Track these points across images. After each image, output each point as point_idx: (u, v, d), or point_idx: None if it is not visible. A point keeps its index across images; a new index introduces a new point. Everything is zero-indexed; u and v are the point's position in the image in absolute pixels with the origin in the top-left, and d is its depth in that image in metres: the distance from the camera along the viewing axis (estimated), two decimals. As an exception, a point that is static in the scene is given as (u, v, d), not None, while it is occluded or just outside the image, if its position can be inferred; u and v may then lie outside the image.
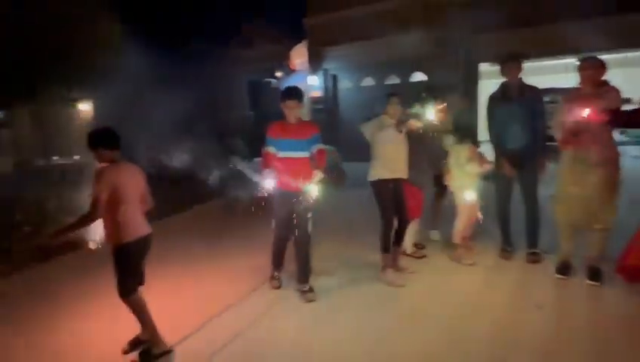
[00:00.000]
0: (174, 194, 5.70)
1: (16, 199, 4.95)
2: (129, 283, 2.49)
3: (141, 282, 2.60)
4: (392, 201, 3.37)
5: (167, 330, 2.62)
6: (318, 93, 10.60)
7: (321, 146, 3.23)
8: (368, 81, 10.37)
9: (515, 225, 3.78)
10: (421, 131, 3.43)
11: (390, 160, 3.35)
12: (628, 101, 8.91)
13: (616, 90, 3.00)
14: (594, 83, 3.03)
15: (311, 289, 3.23)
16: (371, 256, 3.75)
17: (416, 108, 3.48)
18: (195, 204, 6.30)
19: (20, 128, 11.23)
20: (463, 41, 8.82)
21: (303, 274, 3.27)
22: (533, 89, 3.59)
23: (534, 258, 3.62)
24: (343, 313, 3.02)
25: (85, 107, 11.64)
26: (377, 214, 3.46)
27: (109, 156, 2.51)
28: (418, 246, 3.99)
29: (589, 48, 8.30)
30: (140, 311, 2.50)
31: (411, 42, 9.03)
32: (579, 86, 3.14)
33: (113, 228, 2.47)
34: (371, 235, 3.74)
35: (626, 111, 2.95)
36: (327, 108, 10.56)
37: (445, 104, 3.69)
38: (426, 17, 8.72)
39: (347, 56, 10.14)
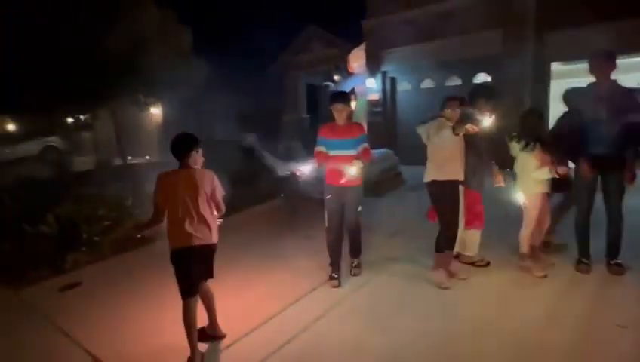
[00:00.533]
0: (239, 193, 5.98)
1: (97, 195, 5.43)
2: (180, 287, 2.56)
3: (190, 293, 2.55)
4: (447, 203, 3.35)
5: (225, 329, 2.76)
6: (376, 96, 10.50)
7: (366, 145, 3.48)
8: (428, 83, 10.08)
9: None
10: (481, 134, 3.30)
11: (445, 162, 3.32)
12: None
13: None
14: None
15: (359, 265, 3.72)
16: (426, 260, 3.70)
17: (473, 111, 3.35)
18: (258, 203, 6.52)
19: (100, 131, 12.35)
20: (532, 40, 8.30)
21: (354, 251, 3.72)
22: (625, 89, 3.30)
23: (618, 269, 3.34)
24: (401, 316, 2.98)
25: (156, 111, 12.53)
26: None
27: (195, 158, 2.60)
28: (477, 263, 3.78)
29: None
30: (185, 318, 2.51)
31: (476, 42, 8.71)
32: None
33: (167, 232, 2.57)
34: (428, 238, 3.65)
35: None
36: (385, 111, 10.43)
37: (495, 107, 3.48)
38: (491, 15, 8.31)
39: (406, 58, 9.96)
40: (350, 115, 3.61)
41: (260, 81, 13.66)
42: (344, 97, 3.52)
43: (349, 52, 11.45)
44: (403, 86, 10.49)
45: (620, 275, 3.31)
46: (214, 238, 2.63)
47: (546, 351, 2.48)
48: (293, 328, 2.88)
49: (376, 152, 7.80)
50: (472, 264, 3.72)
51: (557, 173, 3.26)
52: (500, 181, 3.68)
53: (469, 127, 3.07)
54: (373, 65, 10.43)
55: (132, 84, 7.99)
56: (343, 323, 2.94)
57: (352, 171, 3.31)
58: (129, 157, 9.93)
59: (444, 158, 3.32)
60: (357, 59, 11.03)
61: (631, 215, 3.41)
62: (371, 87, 10.43)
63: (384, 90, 10.42)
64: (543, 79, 8.48)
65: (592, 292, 3.14)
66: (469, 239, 3.71)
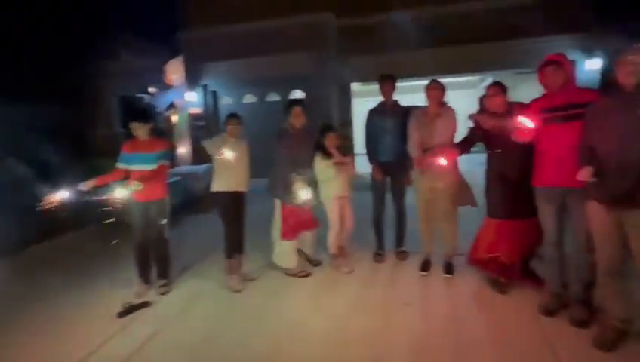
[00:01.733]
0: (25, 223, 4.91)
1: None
2: None
3: None
4: (230, 212, 3.68)
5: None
6: (198, 110, 10.20)
7: (164, 162, 3.60)
8: (250, 98, 10.38)
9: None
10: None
11: (229, 174, 3.65)
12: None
13: (452, 110, 3.54)
14: (438, 103, 3.52)
15: (166, 284, 3.72)
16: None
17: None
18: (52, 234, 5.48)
19: None
20: (336, 62, 9.46)
21: (161, 270, 3.75)
22: (404, 107, 3.93)
23: (403, 255, 4.06)
24: (202, 316, 3.06)
25: None
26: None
27: None
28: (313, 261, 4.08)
29: (434, 73, 9.77)
30: None
31: (291, 61, 9.38)
32: (426, 105, 3.61)
33: None
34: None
35: (460, 143, 3.38)
36: (208, 125, 10.23)
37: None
38: (303, 38, 9.13)
39: (227, 73, 10.00)
40: (152, 130, 3.64)
41: (59, 92, 11.56)
42: (143, 115, 3.72)
43: (165, 63, 10.82)
44: (225, 100, 10.50)
45: (404, 260, 4.03)
46: None
47: (350, 335, 2.80)
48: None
49: (200, 168, 7.58)
50: (293, 276, 3.88)
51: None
52: (306, 191, 3.95)
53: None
54: (192, 78, 10.12)
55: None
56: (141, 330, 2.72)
57: (121, 193, 3.40)
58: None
59: (228, 171, 3.61)
60: (175, 71, 10.52)
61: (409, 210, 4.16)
62: (192, 100, 10.09)
63: (206, 104, 10.22)
64: (346, 97, 9.75)
65: (386, 278, 3.71)
66: (284, 251, 3.90)
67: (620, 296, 2.46)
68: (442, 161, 3.24)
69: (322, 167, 3.70)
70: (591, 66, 8.23)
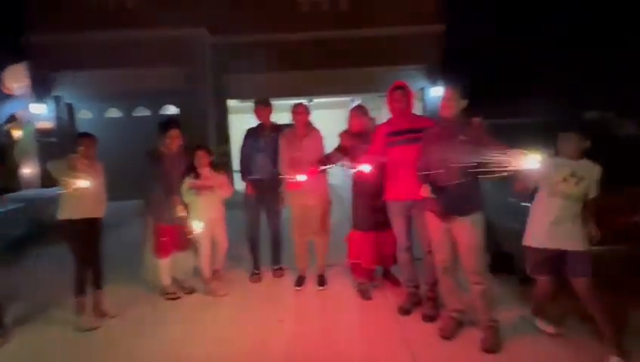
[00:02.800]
0: None
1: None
2: None
3: None
4: (83, 242, 3.29)
5: None
6: (48, 124, 8.86)
7: None
8: (114, 113, 9.45)
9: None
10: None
11: (77, 199, 3.23)
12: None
13: (317, 131, 3.78)
14: (304, 125, 3.72)
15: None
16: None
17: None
18: None
19: None
20: (211, 79, 9.28)
21: None
22: (279, 128, 4.01)
23: (280, 272, 4.12)
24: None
25: None
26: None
27: None
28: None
29: (308, 93, 10.37)
30: None
31: (162, 75, 8.86)
32: (292, 126, 3.79)
33: None
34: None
35: (323, 160, 3.56)
36: (62, 142, 8.95)
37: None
38: (176, 53, 8.72)
39: (86, 84, 8.95)
40: None
41: None
42: None
43: (3, 70, 9.19)
44: (83, 114, 9.37)
45: (281, 277, 4.10)
46: None
47: (228, 358, 2.74)
48: None
49: (50, 191, 6.55)
50: (164, 296, 3.69)
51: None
52: (181, 211, 3.81)
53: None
54: (41, 88, 8.79)
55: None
56: None
57: None
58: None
59: (77, 196, 3.20)
60: (16, 80, 9.01)
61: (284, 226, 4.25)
62: (39, 112, 8.75)
63: (59, 118, 8.96)
64: (223, 114, 9.61)
65: (262, 297, 3.72)
66: (156, 267, 3.68)
67: (454, 292, 2.91)
68: (301, 178, 3.43)
69: (184, 188, 3.58)
70: (435, 93, 9.63)
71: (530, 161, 2.30)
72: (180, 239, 3.66)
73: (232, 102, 10.02)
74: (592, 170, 2.56)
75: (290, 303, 3.58)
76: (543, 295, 2.83)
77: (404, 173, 3.01)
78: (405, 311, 3.23)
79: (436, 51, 9.85)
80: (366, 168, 3.13)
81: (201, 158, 3.64)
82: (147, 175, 3.62)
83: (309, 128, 3.76)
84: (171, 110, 9.37)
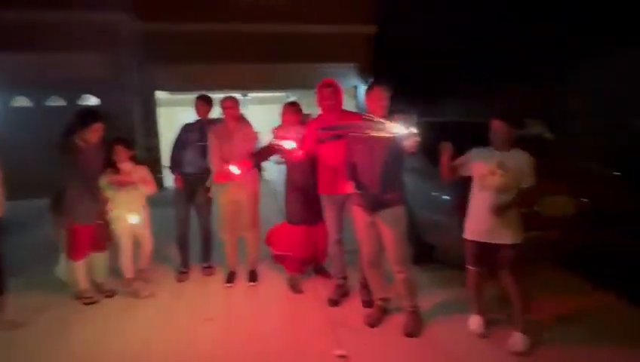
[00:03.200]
0: None
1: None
2: None
3: None
4: None
5: None
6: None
7: None
8: (23, 101, 8.50)
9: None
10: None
11: None
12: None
13: (249, 125, 3.73)
14: (234, 118, 3.65)
15: None
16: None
17: None
18: None
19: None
20: (136, 68, 8.72)
21: None
22: (213, 122, 3.87)
23: (209, 271, 4.00)
24: None
25: None
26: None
27: None
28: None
29: (242, 87, 10.19)
30: None
31: (80, 62, 8.12)
32: (223, 120, 3.70)
33: None
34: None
35: (256, 154, 3.59)
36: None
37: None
38: (97, 39, 8.04)
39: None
40: None
41: None
42: None
43: None
44: (-15, 102, 8.32)
45: (210, 276, 3.97)
46: None
47: (152, 359, 2.62)
48: None
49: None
50: (80, 299, 3.41)
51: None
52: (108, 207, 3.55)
53: None
54: None
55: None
56: None
57: None
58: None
59: None
60: None
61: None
62: None
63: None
64: (150, 106, 9.08)
65: (190, 296, 3.60)
66: (72, 270, 3.42)
67: (379, 282, 3.05)
68: (235, 171, 3.38)
69: (103, 184, 3.37)
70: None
71: (398, 128, 2.46)
72: (96, 239, 3.42)
73: (161, 95, 9.53)
74: (521, 160, 2.57)
75: (220, 301, 3.50)
76: (477, 286, 2.84)
77: (336, 167, 3.09)
78: (334, 303, 3.32)
79: (368, 50, 10.18)
80: (291, 145, 3.17)
81: (120, 153, 3.43)
82: (60, 170, 3.31)
83: (241, 122, 3.69)
84: (91, 100, 8.65)
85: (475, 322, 2.86)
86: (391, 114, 2.74)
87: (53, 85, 8.34)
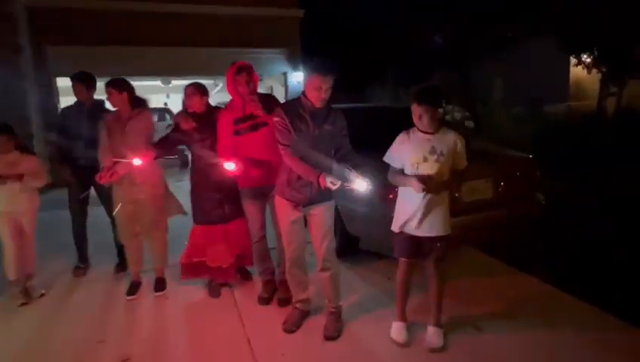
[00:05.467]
0: None
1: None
2: None
3: None
4: None
5: None
6: None
7: None
8: None
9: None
10: None
11: None
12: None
13: (146, 112, 3.25)
14: (125, 105, 3.14)
15: None
16: None
17: None
18: None
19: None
20: (31, 51, 7.61)
21: None
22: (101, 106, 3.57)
23: (79, 271, 3.68)
24: None
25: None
26: None
27: None
28: None
29: (163, 73, 9.39)
30: None
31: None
32: (116, 109, 3.19)
33: None
34: None
35: (158, 143, 3.15)
36: None
37: None
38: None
39: None
40: None
41: None
42: None
43: None
44: None
45: (81, 276, 3.65)
46: None
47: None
48: None
49: None
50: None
51: None
52: None
53: None
54: None
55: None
56: None
57: None
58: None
59: None
60: None
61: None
62: None
63: None
64: (49, 93, 8.01)
65: (81, 310, 3.09)
66: None
67: (301, 283, 2.79)
68: (136, 162, 2.90)
69: None
70: (296, 78, 9.66)
71: (360, 185, 2.24)
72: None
73: (64, 82, 8.44)
74: (452, 141, 2.36)
75: (118, 316, 3.03)
76: (406, 276, 2.58)
77: (257, 158, 2.81)
78: (266, 301, 3.07)
79: (296, 35, 9.85)
80: (231, 166, 2.73)
81: (4, 143, 3.04)
82: None
83: (136, 109, 3.19)
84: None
85: (397, 330, 2.60)
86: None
87: None
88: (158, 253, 3.36)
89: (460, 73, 10.46)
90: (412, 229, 2.44)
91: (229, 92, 2.88)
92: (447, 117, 7.27)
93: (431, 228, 2.42)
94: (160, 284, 3.35)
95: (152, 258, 3.37)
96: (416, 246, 2.48)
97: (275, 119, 2.45)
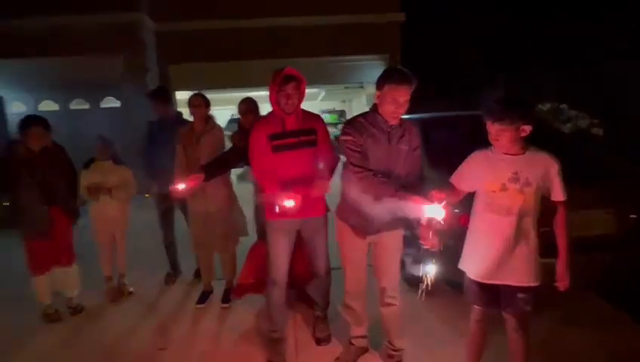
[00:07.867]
0: None
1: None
2: None
3: None
4: None
5: None
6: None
7: None
8: (49, 105, 8.73)
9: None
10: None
11: None
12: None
13: (218, 128, 3.30)
14: (202, 119, 3.24)
15: None
16: None
17: None
18: None
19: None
20: (156, 69, 8.67)
21: None
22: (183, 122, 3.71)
23: (170, 279, 3.87)
24: None
25: None
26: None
27: None
28: None
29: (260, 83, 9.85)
30: None
31: (98, 65, 8.18)
32: (193, 121, 3.31)
33: None
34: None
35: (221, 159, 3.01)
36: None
37: None
38: (111, 40, 8.04)
39: (14, 74, 8.22)
40: None
41: None
42: None
43: None
44: (17, 107, 8.63)
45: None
46: None
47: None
48: None
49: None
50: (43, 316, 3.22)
51: None
52: None
53: None
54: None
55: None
56: None
57: None
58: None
59: None
60: None
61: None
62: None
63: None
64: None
65: (158, 315, 3.26)
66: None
67: (361, 317, 2.47)
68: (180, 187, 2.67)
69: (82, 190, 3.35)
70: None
71: (432, 211, 1.83)
72: (57, 253, 3.19)
73: (181, 95, 9.44)
74: (543, 165, 1.86)
75: (183, 325, 3.12)
76: (478, 331, 2.12)
77: (292, 184, 2.34)
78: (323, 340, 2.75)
79: (396, 41, 9.47)
80: (291, 204, 2.26)
81: (100, 151, 3.42)
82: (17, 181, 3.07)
83: (209, 123, 3.27)
84: (109, 103, 8.72)
85: None
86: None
87: (76, 88, 8.48)
88: (228, 265, 3.39)
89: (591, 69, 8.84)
90: (487, 276, 1.95)
91: (271, 102, 2.42)
92: (569, 125, 6.03)
93: (512, 274, 1.92)
94: (227, 296, 3.37)
95: (222, 270, 3.42)
96: (493, 294, 2.00)
97: (345, 138, 2.16)
